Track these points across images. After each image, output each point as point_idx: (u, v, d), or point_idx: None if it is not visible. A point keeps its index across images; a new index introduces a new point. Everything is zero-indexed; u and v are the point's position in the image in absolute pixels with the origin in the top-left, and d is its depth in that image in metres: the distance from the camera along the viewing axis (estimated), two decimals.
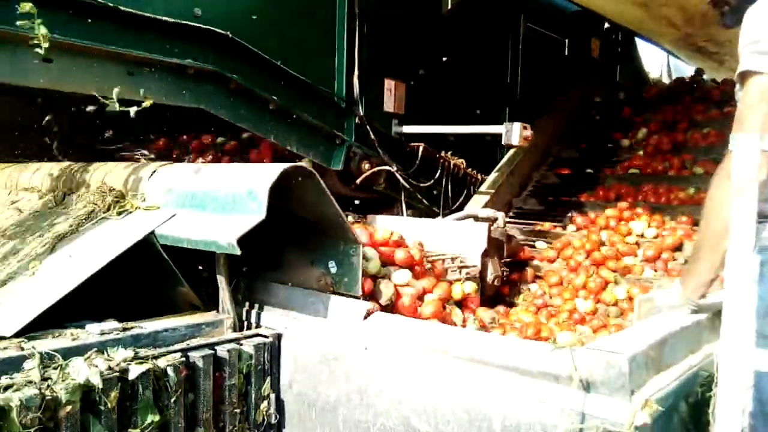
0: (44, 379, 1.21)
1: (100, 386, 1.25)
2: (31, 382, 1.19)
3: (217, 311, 1.63)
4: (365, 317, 1.49)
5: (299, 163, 1.47)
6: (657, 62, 6.35)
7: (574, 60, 3.78)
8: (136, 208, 1.67)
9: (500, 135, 2.30)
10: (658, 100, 3.54)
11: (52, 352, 1.26)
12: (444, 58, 2.81)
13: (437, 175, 2.74)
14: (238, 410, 1.53)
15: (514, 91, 3.32)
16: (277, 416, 1.60)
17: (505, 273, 2.30)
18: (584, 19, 3.68)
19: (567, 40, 3.75)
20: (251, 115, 2.06)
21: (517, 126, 2.24)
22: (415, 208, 2.78)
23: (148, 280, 1.60)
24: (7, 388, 1.16)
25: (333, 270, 1.66)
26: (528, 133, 2.26)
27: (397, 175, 2.56)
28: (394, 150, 2.60)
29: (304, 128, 2.23)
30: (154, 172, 1.72)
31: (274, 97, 2.10)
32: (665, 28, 3.30)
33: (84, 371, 1.25)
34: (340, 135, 2.34)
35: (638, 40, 4.39)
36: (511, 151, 2.96)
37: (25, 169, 2.25)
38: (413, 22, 2.69)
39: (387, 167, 2.52)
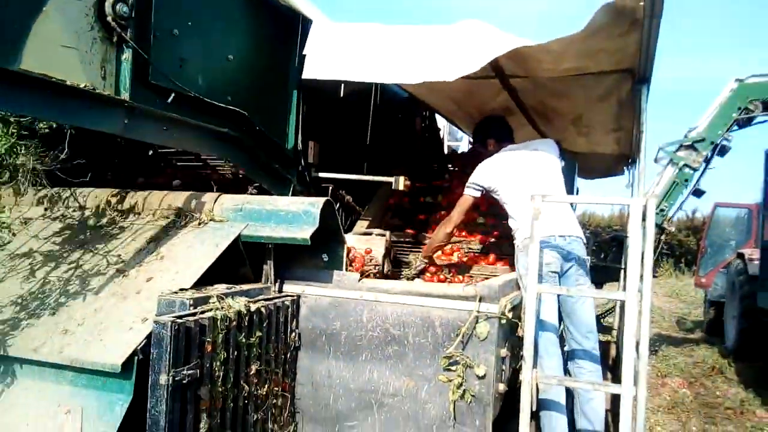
0: (221, 307, 2.25)
1: (244, 311, 2.32)
2: (217, 308, 2.23)
3: (263, 282, 2.74)
4: (359, 279, 2.76)
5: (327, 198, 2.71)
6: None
7: (406, 133, 5.44)
8: (210, 221, 2.71)
9: (389, 183, 3.71)
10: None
11: (220, 294, 2.30)
12: (341, 126, 4.15)
13: (337, 206, 4.04)
14: (283, 335, 2.66)
15: (375, 151, 4.81)
16: (299, 341, 2.76)
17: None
18: (412, 103, 5.35)
19: (400, 115, 5.39)
20: (249, 164, 3.17)
21: (401, 178, 3.68)
22: None
23: (227, 262, 2.65)
24: (208, 310, 2.19)
25: (326, 259, 2.88)
26: (408, 182, 3.72)
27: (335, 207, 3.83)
28: (315, 189, 3.85)
29: (272, 173, 3.38)
30: (218, 197, 2.77)
31: (262, 153, 3.24)
32: (468, 117, 5.12)
33: (236, 304, 2.31)
34: (289, 178, 3.53)
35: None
36: (380, 191, 4.42)
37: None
38: (323, 101, 3.99)
39: None
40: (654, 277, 19.90)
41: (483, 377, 2.49)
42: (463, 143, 8.67)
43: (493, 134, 3.80)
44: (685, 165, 6.94)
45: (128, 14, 2.33)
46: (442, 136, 8.05)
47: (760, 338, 7.33)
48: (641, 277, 2.48)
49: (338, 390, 2.68)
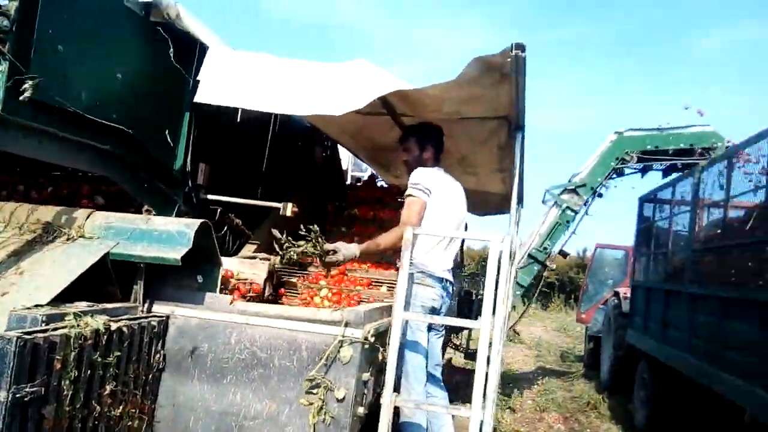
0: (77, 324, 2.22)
1: (102, 330, 2.30)
2: (72, 325, 2.19)
3: (131, 301, 2.71)
4: (230, 302, 2.79)
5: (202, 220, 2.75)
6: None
7: (305, 161, 5.55)
8: (80, 237, 2.67)
9: (278, 208, 3.79)
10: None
11: (78, 312, 2.27)
12: (237, 151, 4.19)
13: (225, 228, 4.05)
14: (146, 356, 2.64)
15: (271, 177, 4.87)
16: (164, 362, 2.75)
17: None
18: (314, 132, 5.47)
19: (300, 144, 5.50)
20: (132, 182, 3.14)
21: (289, 204, 3.77)
22: None
23: (94, 280, 2.61)
24: (61, 327, 2.15)
25: (200, 280, 2.90)
26: (296, 209, 3.81)
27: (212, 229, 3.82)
28: (202, 210, 3.85)
29: (157, 192, 3.37)
30: (90, 214, 2.73)
31: (146, 171, 3.22)
32: (363, 149, 5.31)
33: (95, 322, 2.28)
34: (175, 198, 3.52)
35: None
36: (271, 217, 4.47)
37: None
38: (219, 125, 4.03)
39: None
40: (544, 310, 20.88)
41: (342, 400, 2.59)
42: (367, 173, 8.89)
43: (436, 144, 3.64)
44: (568, 207, 7.50)
45: (8, 28, 2.34)
46: (346, 167, 8.24)
47: (629, 373, 7.89)
48: (494, 308, 2.69)
49: (199, 413, 2.68)
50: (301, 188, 5.05)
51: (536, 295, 8.13)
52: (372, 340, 2.66)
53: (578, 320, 12.34)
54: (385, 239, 3.18)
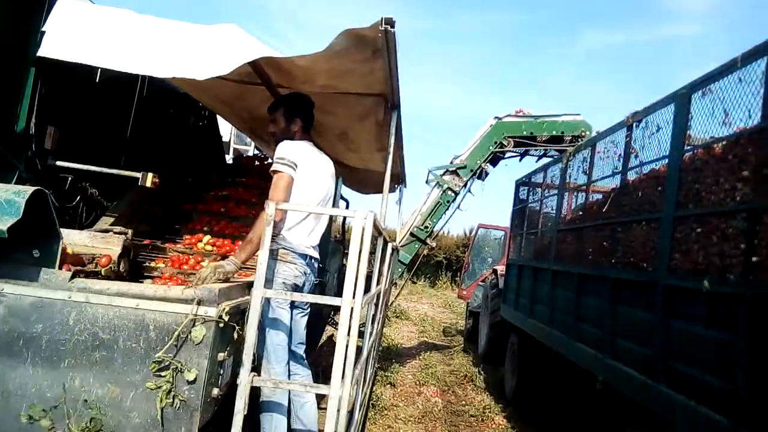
0: None
1: None
2: None
3: None
4: (70, 279, 2.55)
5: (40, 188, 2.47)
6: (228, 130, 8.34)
7: (177, 130, 5.21)
8: None
9: (137, 178, 3.51)
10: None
11: None
12: (95, 114, 3.83)
13: (78, 198, 3.71)
14: None
15: (136, 145, 4.53)
16: None
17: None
18: (188, 99, 5.16)
19: (173, 111, 5.16)
20: None
21: (149, 174, 3.50)
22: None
23: None
24: None
25: (36, 255, 2.62)
26: (157, 180, 3.55)
27: (50, 197, 3.46)
28: (50, 179, 3.49)
29: None
30: None
31: None
32: (239, 121, 5.08)
33: None
34: (15, 164, 3.14)
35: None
36: (132, 190, 4.15)
37: None
38: (74, 85, 3.65)
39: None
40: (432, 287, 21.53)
41: (193, 382, 2.45)
42: (251, 148, 8.61)
43: (305, 116, 3.42)
44: (449, 188, 7.70)
45: None
46: (228, 139, 7.91)
47: (502, 346, 8.30)
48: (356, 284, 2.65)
49: (33, 399, 2.44)
50: (172, 158, 4.76)
51: (414, 271, 8.32)
52: (226, 318, 2.54)
53: (460, 297, 12.84)
54: (254, 232, 2.99)
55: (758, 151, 2.61)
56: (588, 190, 5.05)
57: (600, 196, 4.79)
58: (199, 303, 2.51)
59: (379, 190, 7.57)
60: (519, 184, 7.86)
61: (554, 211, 5.98)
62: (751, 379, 2.45)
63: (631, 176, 4.11)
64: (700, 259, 2.97)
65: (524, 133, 7.74)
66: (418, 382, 7.85)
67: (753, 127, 2.70)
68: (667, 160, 3.52)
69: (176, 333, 2.45)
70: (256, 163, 5.27)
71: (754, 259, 2.52)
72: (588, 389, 4.75)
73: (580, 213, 5.17)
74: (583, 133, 7.46)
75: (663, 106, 3.66)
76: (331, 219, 5.59)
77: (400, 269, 7.78)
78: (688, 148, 3.29)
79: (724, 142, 2.96)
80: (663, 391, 3.16)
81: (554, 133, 7.67)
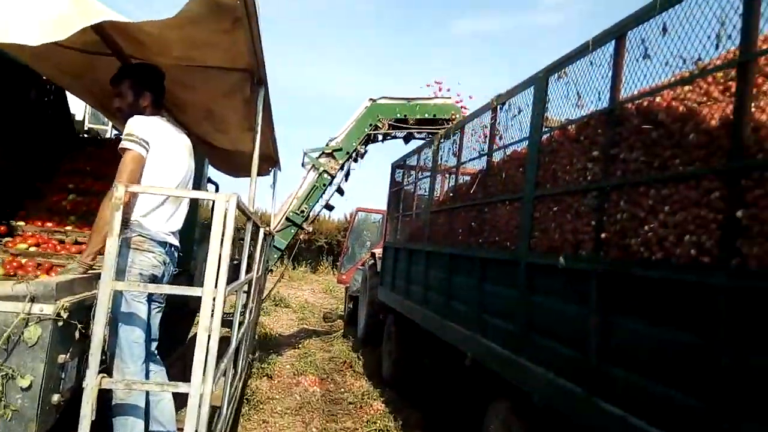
0: None
1: None
2: None
3: None
4: None
5: None
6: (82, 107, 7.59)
7: (18, 105, 4.62)
8: None
9: None
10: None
11: None
12: None
13: None
14: None
15: None
16: None
17: None
18: (31, 73, 4.58)
19: (10, 83, 4.55)
20: None
21: None
22: None
23: None
24: None
25: None
26: None
27: None
28: None
29: None
30: None
31: None
32: (90, 96, 4.60)
33: None
34: None
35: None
36: None
37: None
38: None
39: None
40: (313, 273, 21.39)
41: (28, 389, 2.17)
42: (109, 128, 7.92)
43: (155, 89, 3.14)
44: (325, 171, 7.60)
45: None
46: (82, 118, 7.23)
47: (379, 328, 8.40)
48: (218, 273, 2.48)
49: None
50: (9, 136, 4.22)
51: (293, 257, 8.16)
52: (65, 316, 2.26)
53: (339, 281, 12.84)
54: (101, 219, 2.67)
55: (606, 132, 2.77)
56: (458, 172, 5.19)
57: (468, 178, 4.93)
58: (32, 300, 2.22)
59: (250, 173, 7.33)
60: (395, 166, 7.94)
61: (427, 193, 6.09)
62: (601, 349, 2.61)
63: (496, 158, 4.25)
64: (556, 236, 3.13)
65: (398, 115, 7.82)
66: (296, 372, 7.71)
67: (602, 108, 2.86)
68: (527, 142, 3.67)
69: (5, 335, 2.15)
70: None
71: (603, 235, 2.68)
72: (458, 366, 4.91)
73: (451, 195, 5.30)
74: (453, 116, 7.67)
75: (524, 89, 3.81)
76: (197, 203, 5.29)
77: (276, 255, 7.58)
78: (546, 129, 3.45)
79: (577, 124, 3.12)
80: (524, 364, 3.31)
81: (426, 115, 7.82)
